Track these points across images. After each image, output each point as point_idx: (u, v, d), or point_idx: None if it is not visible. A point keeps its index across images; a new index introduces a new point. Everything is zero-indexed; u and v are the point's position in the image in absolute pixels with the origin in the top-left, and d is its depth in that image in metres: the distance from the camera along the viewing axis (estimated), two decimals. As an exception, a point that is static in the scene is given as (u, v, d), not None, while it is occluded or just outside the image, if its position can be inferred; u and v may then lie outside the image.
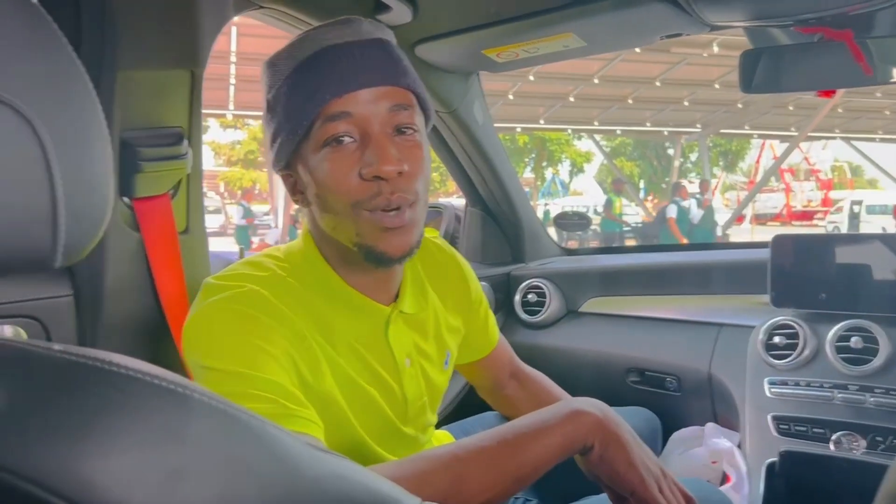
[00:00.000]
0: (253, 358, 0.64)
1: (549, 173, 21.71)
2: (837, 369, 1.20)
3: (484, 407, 1.11)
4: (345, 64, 0.68)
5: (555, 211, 14.00)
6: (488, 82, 1.57)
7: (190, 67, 0.91)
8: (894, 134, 15.24)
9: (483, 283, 1.60)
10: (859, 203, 14.77)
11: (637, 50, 7.19)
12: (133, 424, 0.25)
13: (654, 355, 1.49)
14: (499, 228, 1.82)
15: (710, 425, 1.31)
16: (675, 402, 1.45)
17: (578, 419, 0.66)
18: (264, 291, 0.68)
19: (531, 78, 9.26)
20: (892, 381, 1.14)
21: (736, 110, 12.66)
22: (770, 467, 1.12)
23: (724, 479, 1.16)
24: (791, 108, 12.19)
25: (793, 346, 1.25)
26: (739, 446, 1.22)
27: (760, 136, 17.22)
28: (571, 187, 23.70)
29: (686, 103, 11.87)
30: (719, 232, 10.82)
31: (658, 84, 10.38)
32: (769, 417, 1.19)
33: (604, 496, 0.71)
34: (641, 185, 21.30)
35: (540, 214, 3.56)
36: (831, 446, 1.12)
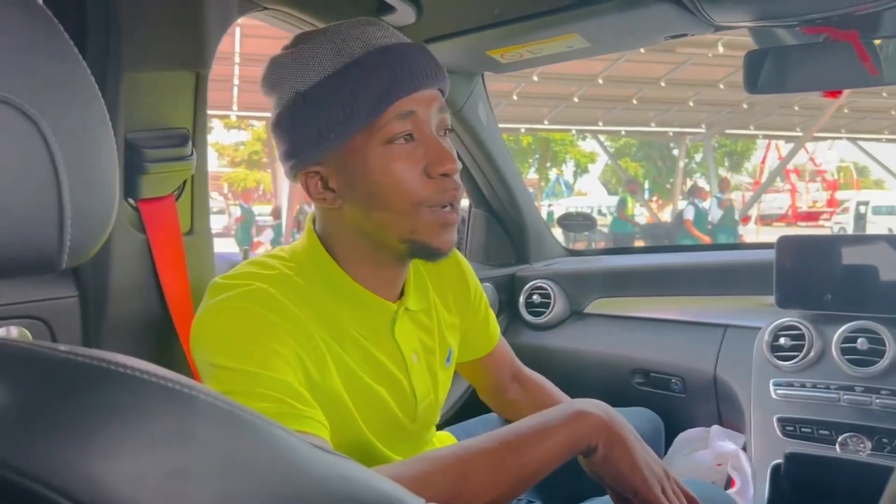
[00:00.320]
0: (261, 356, 0.64)
1: (553, 174, 21.67)
2: (843, 371, 1.19)
3: (487, 409, 1.11)
4: (408, 64, 0.69)
5: (559, 212, 13.99)
6: (492, 83, 1.57)
7: (195, 69, 0.91)
8: (900, 134, 15.17)
9: (487, 284, 1.60)
10: (865, 204, 14.67)
11: (641, 50, 7.17)
12: (140, 425, 0.26)
13: (659, 356, 1.49)
14: (503, 229, 1.82)
15: (716, 427, 1.31)
16: (680, 403, 1.45)
17: (582, 420, 0.66)
18: (272, 289, 0.68)
19: (535, 78, 9.24)
20: None
21: (741, 111, 12.61)
22: (775, 469, 1.12)
23: (730, 483, 1.16)
24: (796, 108, 12.12)
25: (798, 348, 1.25)
26: (745, 448, 1.22)
27: (765, 137, 17.13)
28: (575, 188, 23.64)
29: (691, 104, 11.83)
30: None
31: (663, 84, 10.35)
32: (775, 419, 1.18)
33: (607, 498, 0.71)
34: (646, 185, 21.23)
35: (543, 215, 3.56)
36: (837, 448, 1.11)
